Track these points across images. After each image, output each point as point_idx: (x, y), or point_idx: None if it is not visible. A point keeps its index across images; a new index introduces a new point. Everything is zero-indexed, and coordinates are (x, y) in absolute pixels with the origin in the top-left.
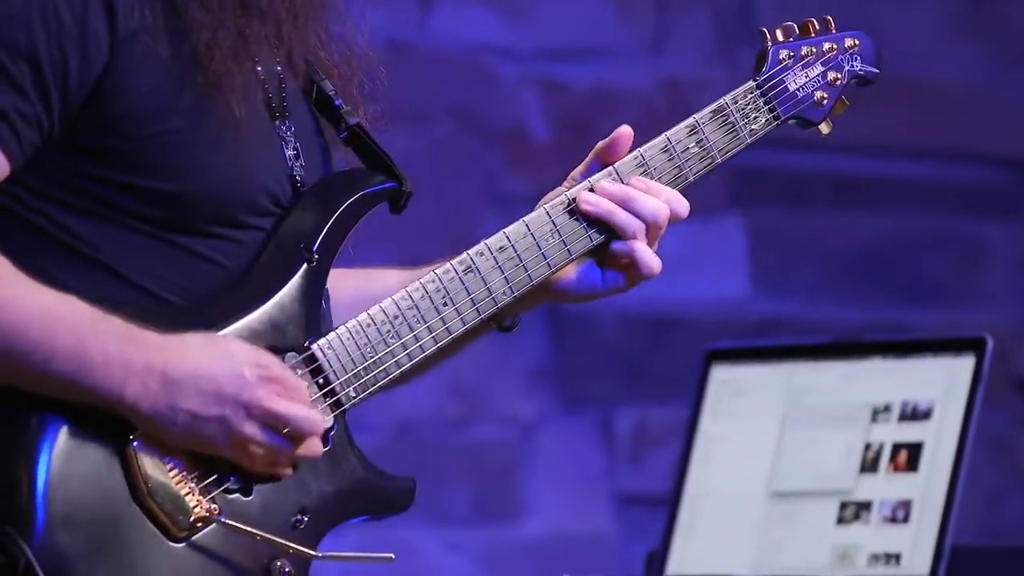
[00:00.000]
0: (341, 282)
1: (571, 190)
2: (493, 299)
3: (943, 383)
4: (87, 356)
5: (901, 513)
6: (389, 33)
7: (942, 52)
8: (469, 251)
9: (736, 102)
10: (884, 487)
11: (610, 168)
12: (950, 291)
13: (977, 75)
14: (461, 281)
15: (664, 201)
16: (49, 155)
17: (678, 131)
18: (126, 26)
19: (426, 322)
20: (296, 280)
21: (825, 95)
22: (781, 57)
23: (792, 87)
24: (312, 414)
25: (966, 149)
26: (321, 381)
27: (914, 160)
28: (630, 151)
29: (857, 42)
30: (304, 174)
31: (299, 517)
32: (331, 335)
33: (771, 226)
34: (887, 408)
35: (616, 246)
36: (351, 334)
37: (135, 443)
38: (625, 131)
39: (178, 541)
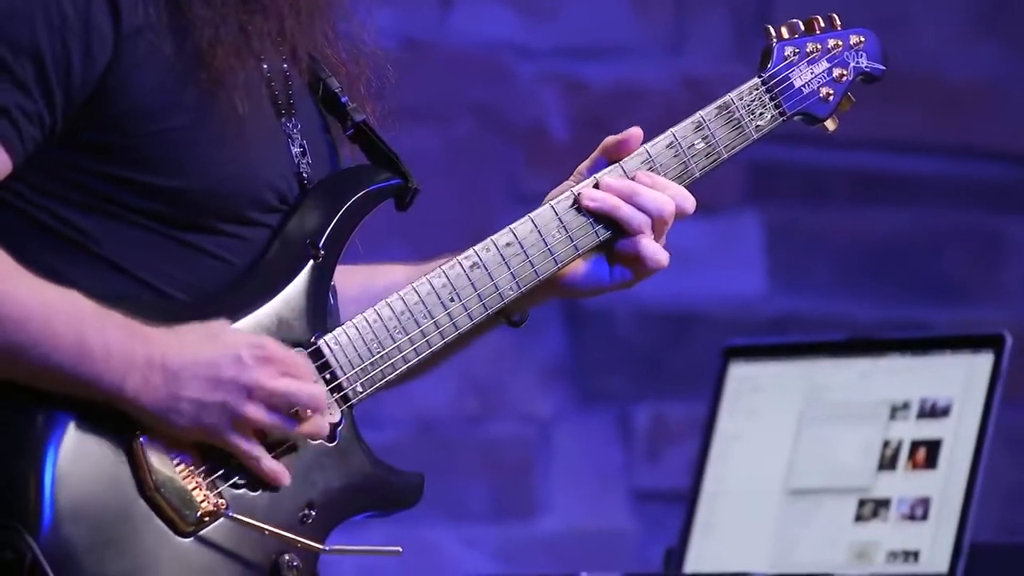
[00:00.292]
0: (347, 278)
1: (576, 186)
2: (499, 295)
3: (961, 380)
4: (88, 350)
5: (920, 510)
6: (409, 32)
7: (961, 49)
8: (475, 247)
9: (742, 99)
10: (902, 484)
11: (616, 164)
12: (968, 288)
13: (995, 72)
14: (467, 277)
15: (670, 196)
16: (52, 151)
17: (684, 128)
18: (130, 23)
19: (432, 317)
20: (302, 276)
21: (831, 91)
22: (786, 54)
23: (797, 83)
24: (314, 389)
25: (984, 146)
26: (328, 376)
27: (932, 156)
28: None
29: (862, 39)
30: (311, 171)
31: (306, 512)
32: (337, 331)
33: (788, 222)
34: (905, 405)
35: (622, 240)
36: (357, 330)
37: (142, 438)
38: (636, 132)
39: (185, 536)
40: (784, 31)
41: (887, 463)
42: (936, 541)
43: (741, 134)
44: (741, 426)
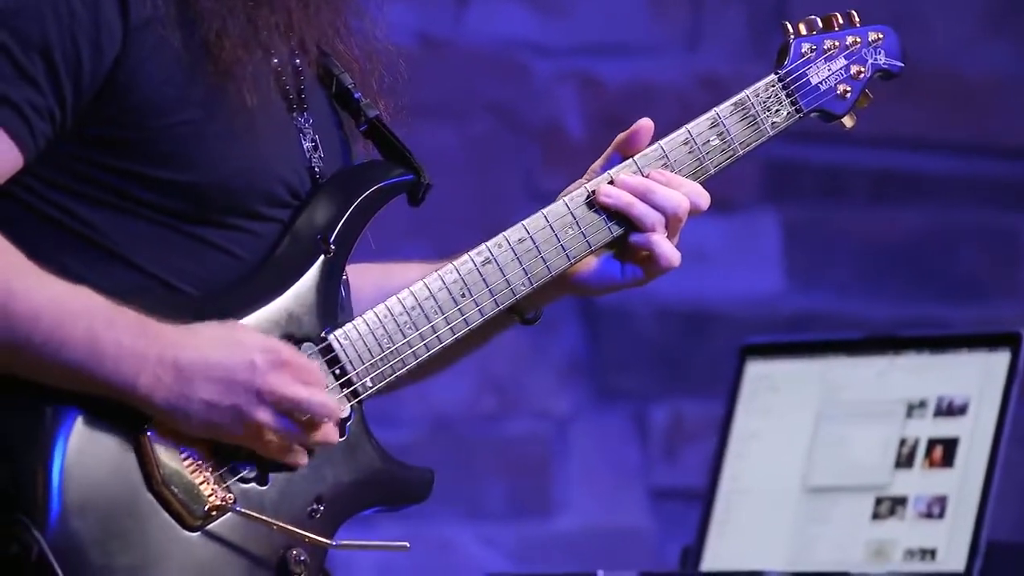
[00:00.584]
0: (363, 276)
1: (590, 182)
2: (511, 290)
3: (978, 378)
4: (99, 347)
5: (937, 508)
6: (425, 30)
7: (979, 47)
8: (487, 243)
9: (757, 95)
10: (919, 482)
11: (631, 160)
12: (986, 286)
13: (1012, 70)
14: (479, 272)
15: (684, 193)
16: (62, 146)
17: (699, 124)
18: (138, 16)
19: (443, 313)
20: (313, 271)
21: (848, 88)
22: (803, 50)
23: (814, 80)
24: (326, 398)
25: (1001, 144)
26: (338, 371)
27: (950, 155)
28: (651, 144)
29: (881, 36)
30: (323, 166)
31: (315, 506)
32: (347, 326)
33: (806, 221)
34: (922, 403)
35: (635, 238)
36: (367, 324)
37: (149, 432)
38: (645, 123)
39: (193, 530)
40: (802, 28)
41: (904, 461)
42: (953, 539)
43: (757, 131)
44: (758, 424)
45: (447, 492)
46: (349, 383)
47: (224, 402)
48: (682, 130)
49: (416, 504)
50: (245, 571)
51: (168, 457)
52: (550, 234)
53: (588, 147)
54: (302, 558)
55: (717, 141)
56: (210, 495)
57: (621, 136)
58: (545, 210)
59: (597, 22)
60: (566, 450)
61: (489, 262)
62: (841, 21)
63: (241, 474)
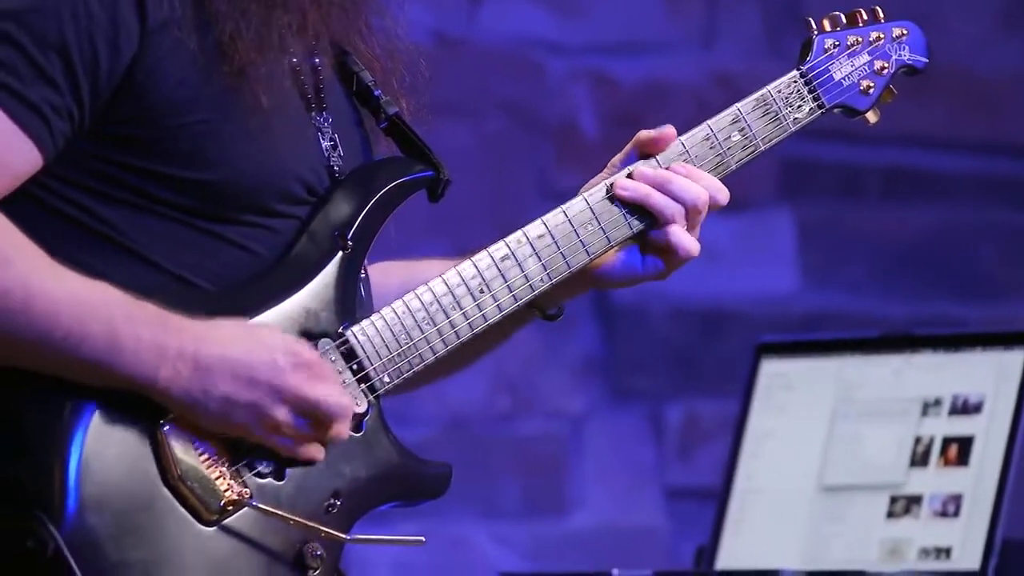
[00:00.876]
0: (386, 275)
1: (609, 177)
2: (530, 286)
3: (994, 377)
4: (119, 342)
5: (952, 507)
6: (439, 28)
7: (994, 45)
8: (506, 239)
9: (779, 91)
10: (934, 481)
11: (651, 158)
12: (1001, 284)
13: None
14: (498, 268)
15: (704, 187)
16: (80, 145)
17: (720, 120)
18: (155, 18)
19: (461, 308)
20: (331, 267)
21: (871, 84)
22: (826, 46)
23: (837, 76)
24: (343, 399)
25: (1017, 142)
26: (355, 367)
27: (964, 153)
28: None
29: (905, 32)
30: (342, 164)
31: (332, 501)
32: (365, 321)
33: (821, 219)
34: (937, 402)
35: (654, 231)
36: (385, 320)
37: (165, 427)
38: (669, 131)
39: (209, 525)
40: (826, 24)
41: (919, 460)
42: (968, 538)
43: (779, 126)
44: (773, 423)
45: (462, 491)
46: (367, 378)
47: (244, 398)
48: (703, 126)
49: (433, 499)
50: (261, 566)
51: (184, 452)
52: (569, 229)
53: (602, 145)
54: (318, 552)
55: (739, 137)
56: (226, 490)
57: (643, 134)
58: (564, 206)
59: (611, 20)
60: (581, 449)
61: (508, 258)
62: (865, 17)
63: (257, 469)
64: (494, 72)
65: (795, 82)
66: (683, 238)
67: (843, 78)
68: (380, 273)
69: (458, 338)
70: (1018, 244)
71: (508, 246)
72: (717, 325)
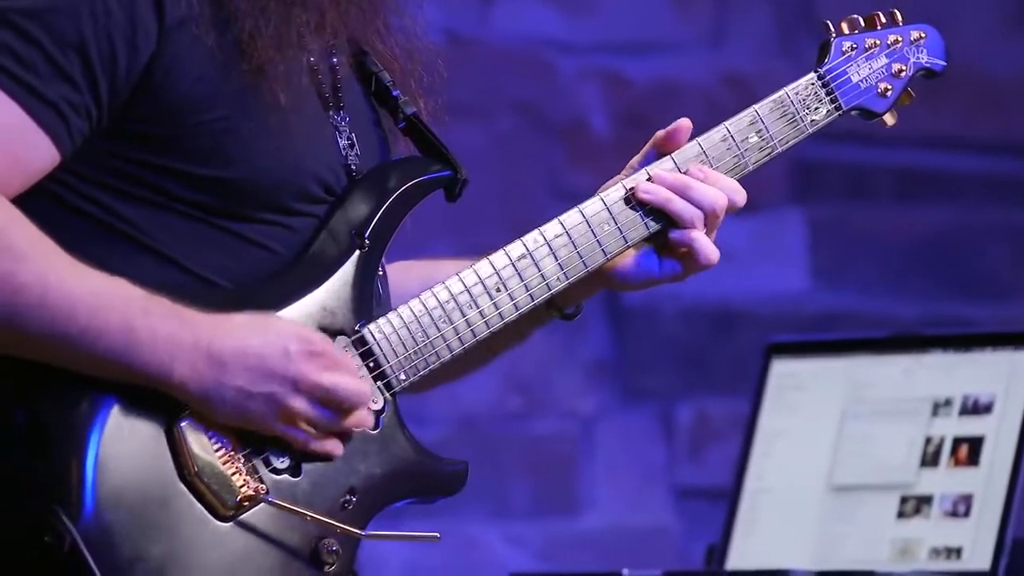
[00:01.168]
0: (404, 273)
1: (628, 179)
2: (546, 285)
3: (1004, 377)
4: (135, 336)
5: (962, 507)
6: (450, 28)
7: (1005, 46)
8: (523, 238)
9: (797, 93)
10: (945, 481)
11: (668, 157)
12: (1011, 284)
13: None
14: (515, 267)
15: (721, 189)
16: (98, 143)
17: (738, 121)
18: (173, 16)
19: (478, 307)
20: (348, 266)
21: (889, 86)
22: (844, 49)
23: (855, 78)
24: (359, 385)
25: None
26: (372, 364)
27: (975, 153)
28: (689, 141)
29: (924, 35)
30: (360, 163)
31: (348, 498)
32: (382, 319)
33: (831, 220)
34: (948, 402)
35: (674, 234)
36: (402, 318)
37: (182, 423)
38: (684, 123)
39: (225, 521)
40: (844, 27)
41: (929, 460)
42: (978, 538)
43: (796, 128)
44: (783, 423)
45: (473, 491)
46: (383, 376)
47: (258, 389)
48: (720, 127)
49: (449, 496)
50: (277, 561)
51: (201, 448)
52: (586, 229)
53: (613, 145)
54: (334, 548)
55: (756, 139)
56: (242, 486)
57: (660, 133)
58: (581, 205)
59: (622, 20)
60: (592, 449)
61: (524, 257)
62: (884, 20)
63: (273, 465)
64: (505, 72)
65: (812, 84)
66: (705, 245)
67: (861, 80)
68: (398, 272)
69: (474, 336)
70: None
71: (525, 245)
72: (728, 325)
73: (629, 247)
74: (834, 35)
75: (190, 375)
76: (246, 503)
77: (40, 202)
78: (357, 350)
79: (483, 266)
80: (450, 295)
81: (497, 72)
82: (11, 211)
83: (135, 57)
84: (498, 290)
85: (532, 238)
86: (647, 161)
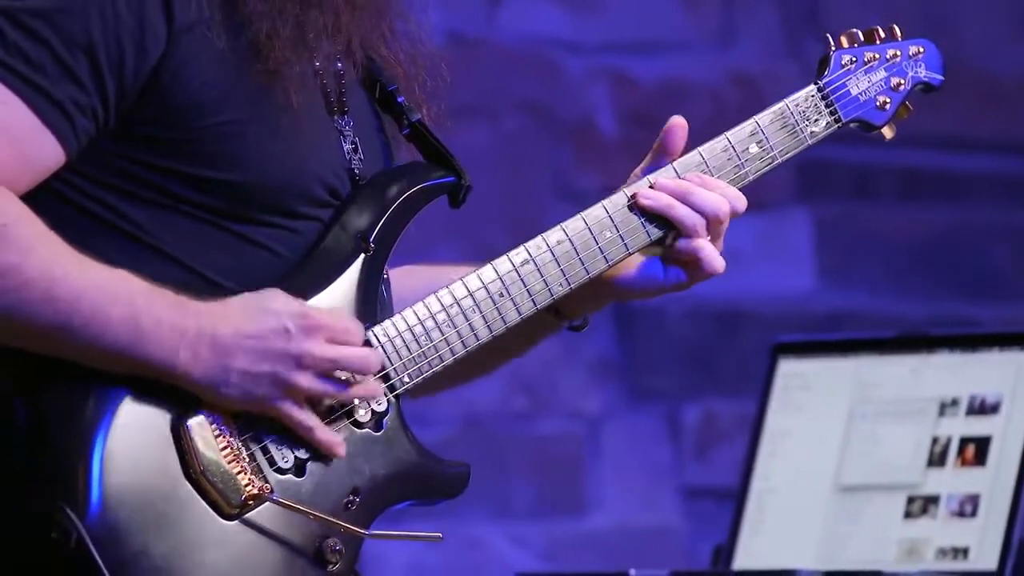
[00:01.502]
0: (409, 278)
1: (630, 187)
2: (549, 290)
3: (1011, 377)
4: (139, 327)
5: (969, 507)
6: (457, 29)
7: (1009, 46)
8: (526, 244)
9: (797, 105)
10: (952, 481)
11: (669, 166)
12: (1017, 285)
13: None
14: (517, 273)
15: (723, 196)
16: (106, 144)
17: (738, 132)
18: (183, 20)
19: (480, 311)
20: (353, 269)
21: (888, 100)
22: (843, 62)
23: (854, 91)
24: (363, 351)
25: None
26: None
27: (980, 153)
28: (691, 150)
29: (922, 49)
30: (363, 168)
31: (351, 498)
32: (386, 322)
33: (837, 220)
34: (954, 402)
35: (681, 243)
36: (406, 322)
37: (188, 422)
38: (677, 120)
39: (230, 519)
40: (843, 40)
41: (936, 460)
42: (985, 538)
43: (796, 139)
44: (790, 423)
45: (478, 491)
46: (387, 378)
47: (261, 370)
48: (721, 138)
49: (451, 498)
50: (281, 560)
51: (206, 447)
52: (588, 236)
53: (620, 145)
54: (337, 547)
55: (756, 149)
56: (247, 484)
57: (658, 141)
58: (584, 213)
59: (629, 19)
60: (598, 449)
61: (527, 263)
62: (883, 34)
63: (278, 464)
64: (512, 72)
65: (812, 96)
66: (710, 254)
67: (860, 93)
68: (403, 276)
69: (477, 340)
70: None
71: (528, 251)
72: (734, 325)
73: (631, 254)
74: (834, 48)
75: (194, 362)
76: (251, 502)
77: (47, 200)
78: None
79: (486, 272)
80: (453, 299)
81: (504, 72)
82: (18, 206)
83: (143, 59)
84: (501, 296)
85: (535, 244)
86: (650, 170)
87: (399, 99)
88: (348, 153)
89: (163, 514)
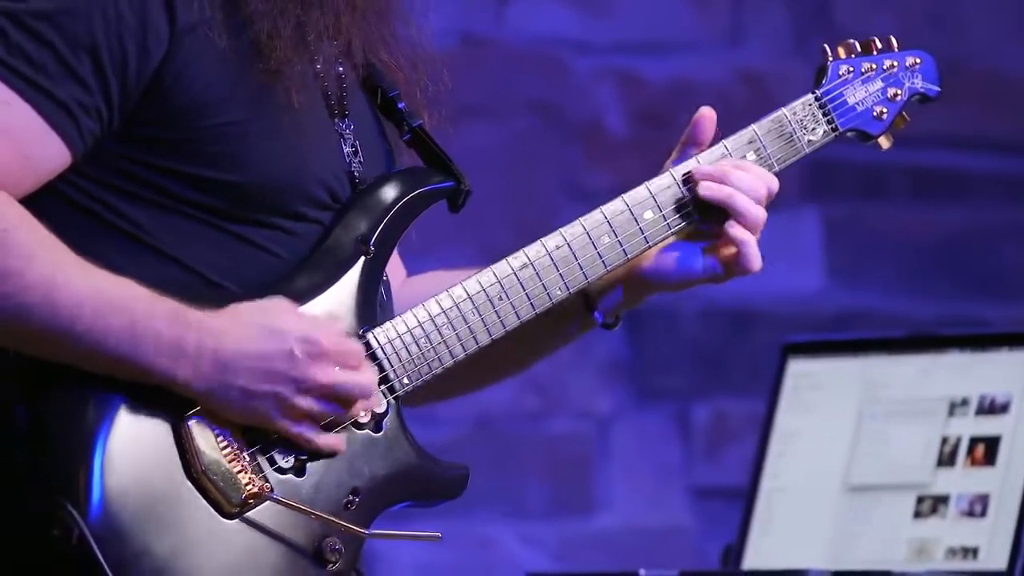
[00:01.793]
0: (414, 286)
1: (661, 178)
2: (547, 295)
3: (1020, 377)
4: (139, 338)
5: (978, 507)
6: (466, 29)
7: (1019, 45)
8: (525, 248)
9: (795, 114)
10: (961, 481)
11: (695, 158)
12: None
13: None
14: (516, 276)
15: (757, 177)
16: (108, 145)
17: (737, 139)
18: (185, 21)
19: (480, 315)
20: (353, 272)
21: (884, 110)
22: (841, 72)
23: (851, 101)
24: (363, 378)
25: None
26: (376, 368)
27: (990, 153)
28: (690, 157)
29: (919, 60)
30: (363, 171)
31: (351, 498)
32: (386, 325)
33: (847, 219)
34: (964, 402)
35: (735, 231)
36: (405, 324)
37: (189, 421)
38: (706, 111)
39: (230, 517)
40: (841, 50)
41: (946, 460)
42: (995, 538)
43: (793, 148)
44: (800, 423)
45: (489, 491)
46: (386, 380)
47: (263, 390)
48: (719, 145)
49: (450, 500)
50: (281, 559)
51: (207, 446)
52: (587, 241)
53: (629, 145)
54: (337, 547)
55: (754, 157)
56: (248, 484)
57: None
58: (583, 219)
59: (638, 19)
60: (608, 449)
61: (526, 266)
62: (880, 45)
63: (279, 464)
64: (521, 72)
65: (810, 105)
66: (754, 249)
67: (857, 103)
68: (421, 282)
69: (477, 344)
70: None
71: (527, 255)
72: (744, 325)
73: (629, 260)
74: (831, 58)
75: (194, 377)
76: (251, 500)
77: (50, 201)
78: None
79: (485, 275)
80: (453, 303)
81: (512, 72)
82: (19, 211)
83: (146, 60)
84: (500, 298)
85: (535, 248)
86: (678, 163)
87: (400, 105)
88: (348, 156)
89: (164, 513)
